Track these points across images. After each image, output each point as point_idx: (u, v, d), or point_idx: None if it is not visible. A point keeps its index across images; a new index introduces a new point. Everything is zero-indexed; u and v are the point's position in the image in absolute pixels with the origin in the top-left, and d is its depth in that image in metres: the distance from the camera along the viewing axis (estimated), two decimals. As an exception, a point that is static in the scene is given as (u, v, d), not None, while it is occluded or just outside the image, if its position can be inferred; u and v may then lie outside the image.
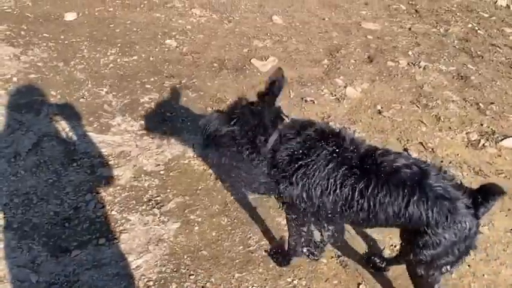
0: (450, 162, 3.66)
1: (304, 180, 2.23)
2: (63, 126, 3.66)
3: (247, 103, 2.41)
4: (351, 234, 3.00)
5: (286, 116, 2.40)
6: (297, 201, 2.31)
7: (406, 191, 2.07)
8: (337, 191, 2.17)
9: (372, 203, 2.12)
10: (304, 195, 2.26)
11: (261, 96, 2.38)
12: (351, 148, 2.22)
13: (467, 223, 2.07)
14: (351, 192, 2.14)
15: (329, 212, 2.26)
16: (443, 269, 2.22)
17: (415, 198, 2.06)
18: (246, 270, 2.77)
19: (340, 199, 2.18)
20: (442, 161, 3.65)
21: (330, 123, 3.93)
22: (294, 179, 2.25)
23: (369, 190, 2.11)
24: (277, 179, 2.36)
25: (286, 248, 2.77)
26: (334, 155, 2.19)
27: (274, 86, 2.36)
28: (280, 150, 2.30)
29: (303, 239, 2.68)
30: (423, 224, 2.09)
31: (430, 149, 3.78)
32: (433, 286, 2.31)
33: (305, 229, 2.58)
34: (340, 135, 2.28)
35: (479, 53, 5.21)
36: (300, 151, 2.25)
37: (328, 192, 2.19)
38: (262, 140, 2.34)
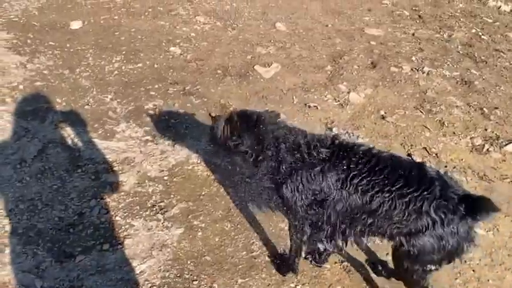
0: (454, 167, 3.65)
1: (305, 174, 2.33)
2: (68, 133, 3.70)
3: (249, 112, 2.54)
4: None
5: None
6: (297, 198, 2.38)
7: (404, 168, 2.20)
8: (339, 165, 2.28)
9: (370, 176, 2.20)
10: (305, 190, 2.34)
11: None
12: (351, 145, 2.35)
13: (457, 216, 2.08)
14: (351, 166, 2.25)
15: (327, 195, 2.31)
16: (427, 267, 2.23)
17: (412, 174, 2.16)
18: (249, 276, 2.77)
19: (339, 175, 2.26)
20: (446, 166, 3.64)
21: (334, 129, 3.95)
22: (293, 179, 2.36)
23: (369, 164, 2.22)
24: (279, 182, 2.43)
25: (288, 257, 2.76)
26: (333, 151, 2.33)
27: None
28: (281, 155, 2.39)
29: (305, 248, 2.68)
30: (416, 204, 2.12)
31: (434, 154, 3.78)
32: (419, 283, 2.33)
33: (304, 238, 2.57)
34: (338, 137, 2.41)
35: (483, 58, 5.20)
36: (300, 153, 2.36)
37: (329, 169, 2.28)
38: (265, 146, 2.42)
